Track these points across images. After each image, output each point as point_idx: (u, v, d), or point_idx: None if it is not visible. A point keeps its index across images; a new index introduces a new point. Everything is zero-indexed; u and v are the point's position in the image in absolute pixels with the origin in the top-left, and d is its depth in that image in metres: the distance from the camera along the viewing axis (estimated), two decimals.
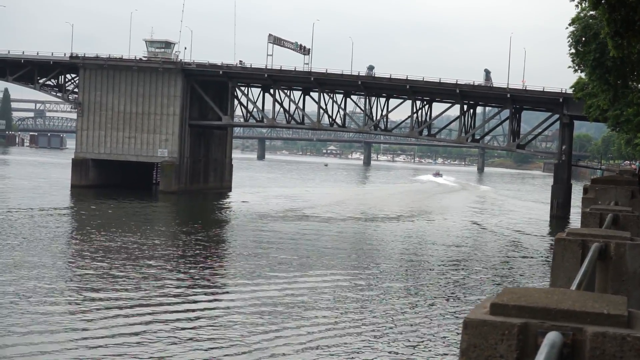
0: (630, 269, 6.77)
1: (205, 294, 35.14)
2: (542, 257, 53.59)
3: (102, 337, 26.36)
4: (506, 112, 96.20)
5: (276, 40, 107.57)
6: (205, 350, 25.69)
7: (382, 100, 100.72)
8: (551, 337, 3.03)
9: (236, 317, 30.20)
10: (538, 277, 44.56)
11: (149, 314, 30.24)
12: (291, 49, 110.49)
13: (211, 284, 37.59)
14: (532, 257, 53.65)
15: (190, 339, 26.82)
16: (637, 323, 3.22)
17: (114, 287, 34.96)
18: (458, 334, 27.61)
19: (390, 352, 26.47)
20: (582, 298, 3.41)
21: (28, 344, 25.39)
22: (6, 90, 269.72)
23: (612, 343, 3.08)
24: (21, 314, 28.97)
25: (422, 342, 28.12)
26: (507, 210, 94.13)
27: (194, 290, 35.66)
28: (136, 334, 27.08)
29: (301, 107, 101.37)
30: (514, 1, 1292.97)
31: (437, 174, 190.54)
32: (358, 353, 26.20)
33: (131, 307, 31.29)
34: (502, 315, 3.26)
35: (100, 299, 32.32)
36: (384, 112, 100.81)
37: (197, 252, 47.77)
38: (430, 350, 27.06)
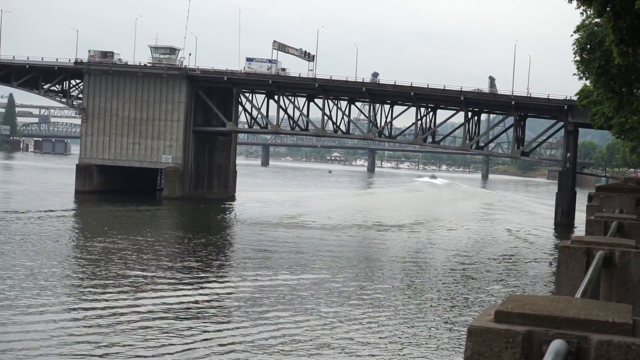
0: (635, 277, 6.75)
1: (202, 295, 35.10)
2: (546, 264, 53.48)
3: (101, 334, 26.39)
4: (511, 120, 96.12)
5: (281, 47, 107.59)
6: (201, 349, 25.68)
7: (387, 107, 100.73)
8: (556, 345, 3.01)
9: (230, 320, 30.20)
10: (542, 285, 44.45)
11: (148, 312, 30.28)
12: (296, 55, 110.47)
13: (209, 288, 37.53)
14: (536, 265, 53.53)
15: (187, 336, 26.82)
16: None
17: (113, 290, 34.95)
18: (462, 341, 27.55)
19: (393, 359, 26.41)
20: (587, 306, 3.39)
21: (28, 340, 25.49)
22: (11, 96, 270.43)
23: (617, 351, 3.06)
24: (23, 312, 29.01)
25: (426, 349, 28.05)
26: (511, 217, 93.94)
27: (192, 292, 35.64)
28: (134, 331, 27.08)
29: (305, 113, 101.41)
30: (519, 9, 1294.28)
31: (433, 177, 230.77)
32: (360, 358, 26.16)
33: (128, 307, 31.34)
34: (506, 323, 3.24)
35: (100, 300, 32.35)
36: (388, 119, 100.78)
37: (198, 257, 47.73)
38: (434, 358, 26.98)
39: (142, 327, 28.73)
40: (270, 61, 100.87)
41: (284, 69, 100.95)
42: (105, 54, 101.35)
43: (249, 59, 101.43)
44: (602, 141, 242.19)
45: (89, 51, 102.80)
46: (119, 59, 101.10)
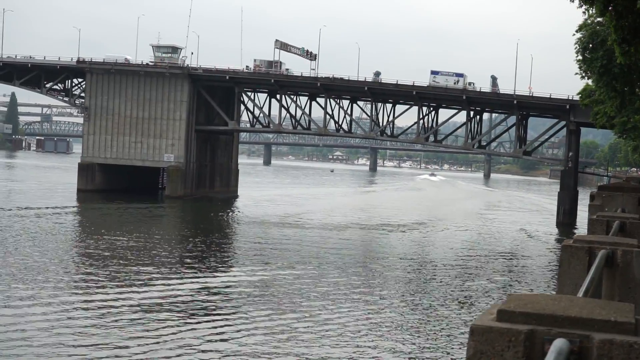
0: (637, 276, 6.75)
1: (202, 291, 35.12)
2: (548, 264, 53.45)
3: (103, 328, 26.43)
4: (513, 119, 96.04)
5: (283, 46, 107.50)
6: (202, 351, 25.71)
7: (389, 106, 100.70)
8: (558, 344, 3.01)
9: (230, 315, 30.21)
10: (545, 284, 44.43)
11: (149, 307, 30.32)
12: (298, 54, 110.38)
13: (210, 285, 37.54)
14: (538, 264, 53.50)
15: (186, 331, 26.86)
16: None
17: (114, 286, 34.98)
18: (465, 340, 27.55)
19: (395, 358, 26.40)
20: (589, 305, 3.40)
21: (30, 335, 25.50)
22: (13, 95, 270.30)
23: (619, 350, 3.06)
24: (26, 305, 29.06)
25: (428, 348, 28.05)
26: (512, 216, 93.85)
27: (192, 288, 35.67)
28: (134, 324, 27.12)
29: (307, 112, 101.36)
30: (521, 8, 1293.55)
31: (432, 174, 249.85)
32: (361, 356, 26.14)
33: (129, 302, 31.40)
34: (508, 321, 3.25)
35: (102, 296, 32.40)
36: (391, 118, 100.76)
37: (200, 255, 47.74)
38: (436, 357, 26.98)
39: (143, 321, 28.77)
40: (456, 74, 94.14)
41: (471, 83, 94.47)
42: (272, 64, 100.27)
43: (433, 72, 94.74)
44: (604, 140, 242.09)
45: (255, 60, 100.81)
46: (287, 69, 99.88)
